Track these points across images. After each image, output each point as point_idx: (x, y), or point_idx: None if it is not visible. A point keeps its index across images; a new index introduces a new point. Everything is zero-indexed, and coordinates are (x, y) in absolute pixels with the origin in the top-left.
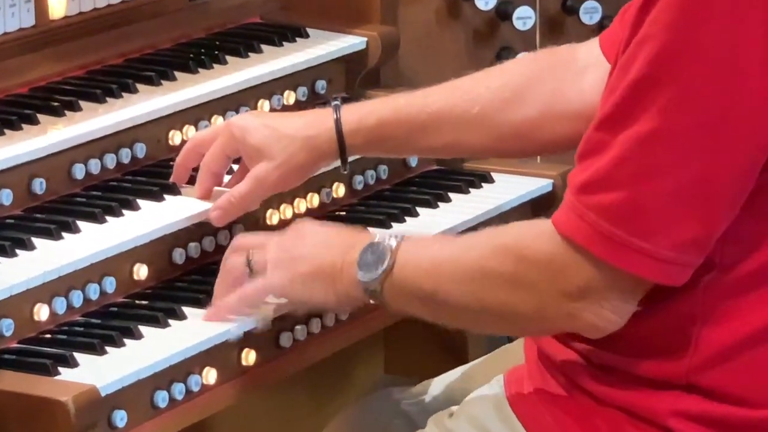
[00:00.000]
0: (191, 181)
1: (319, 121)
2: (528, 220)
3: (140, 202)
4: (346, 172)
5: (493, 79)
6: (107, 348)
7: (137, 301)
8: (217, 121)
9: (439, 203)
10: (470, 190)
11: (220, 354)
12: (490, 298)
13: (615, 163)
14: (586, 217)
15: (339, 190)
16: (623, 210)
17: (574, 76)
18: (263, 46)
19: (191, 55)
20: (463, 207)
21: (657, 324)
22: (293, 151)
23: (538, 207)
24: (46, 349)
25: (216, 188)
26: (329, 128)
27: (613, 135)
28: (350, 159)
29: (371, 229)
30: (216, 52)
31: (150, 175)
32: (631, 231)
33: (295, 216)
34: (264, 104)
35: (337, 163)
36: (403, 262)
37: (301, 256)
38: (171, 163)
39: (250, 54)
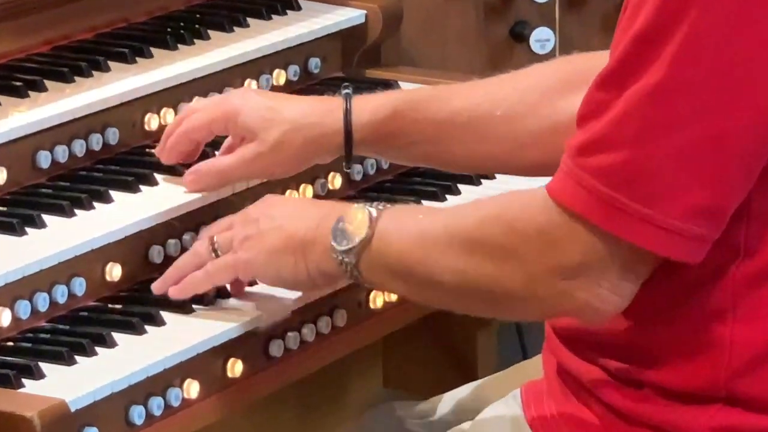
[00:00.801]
0: (171, 170)
1: (326, 110)
2: (522, 189)
3: (113, 193)
4: (349, 171)
5: (521, 81)
6: (77, 357)
7: (110, 305)
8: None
9: (447, 196)
10: (482, 181)
11: (203, 364)
12: (476, 273)
13: (616, 121)
14: (582, 182)
15: (335, 180)
16: (624, 172)
17: None
18: (250, 20)
19: (169, 30)
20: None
21: (685, 327)
22: (290, 138)
23: None
24: (8, 358)
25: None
26: (337, 119)
27: (617, 93)
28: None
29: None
30: (197, 27)
31: (124, 163)
32: (633, 196)
33: None
34: (251, 84)
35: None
36: (383, 232)
37: (270, 228)
38: (147, 149)
39: (235, 28)
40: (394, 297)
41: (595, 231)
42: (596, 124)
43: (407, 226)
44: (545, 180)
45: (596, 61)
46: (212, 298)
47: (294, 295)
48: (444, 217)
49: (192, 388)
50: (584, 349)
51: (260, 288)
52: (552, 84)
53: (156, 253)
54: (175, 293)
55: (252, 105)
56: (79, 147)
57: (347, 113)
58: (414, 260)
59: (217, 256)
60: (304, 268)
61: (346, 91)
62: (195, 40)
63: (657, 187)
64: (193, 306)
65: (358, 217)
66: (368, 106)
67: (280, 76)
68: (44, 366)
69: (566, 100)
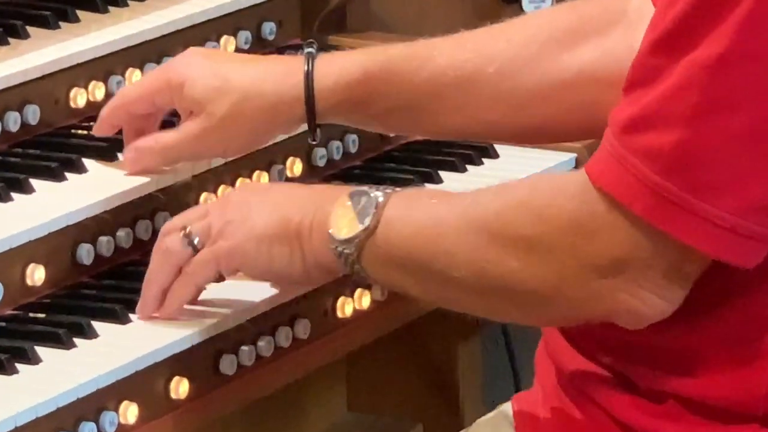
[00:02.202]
0: (102, 155)
1: (286, 73)
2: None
3: (34, 182)
4: (315, 143)
5: (517, 32)
6: None
7: (32, 314)
8: (134, 75)
9: (427, 185)
10: (467, 167)
11: (142, 384)
12: (497, 268)
13: (672, 93)
14: (627, 164)
15: (295, 167)
16: (677, 156)
17: (625, 30)
18: None
19: None
20: (457, 190)
21: (724, 332)
22: (241, 110)
23: None
24: None
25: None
26: (296, 83)
27: (674, 59)
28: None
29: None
30: None
31: (46, 146)
32: (686, 185)
33: None
34: None
35: (300, 129)
36: (389, 220)
37: (259, 214)
38: (73, 131)
39: None
40: (366, 304)
41: (639, 223)
42: (647, 94)
43: (418, 211)
44: (549, 162)
45: (605, 5)
46: None
47: (256, 297)
48: (462, 201)
49: (129, 412)
50: (596, 349)
51: (210, 293)
52: (554, 34)
53: (85, 253)
54: (165, 315)
55: (198, 72)
56: None
57: (308, 77)
58: (425, 252)
59: (195, 250)
60: (300, 260)
61: (309, 50)
62: (129, 1)
63: (714, 175)
64: (131, 315)
65: (361, 201)
66: (334, 68)
67: (228, 43)
68: None
69: (571, 52)
